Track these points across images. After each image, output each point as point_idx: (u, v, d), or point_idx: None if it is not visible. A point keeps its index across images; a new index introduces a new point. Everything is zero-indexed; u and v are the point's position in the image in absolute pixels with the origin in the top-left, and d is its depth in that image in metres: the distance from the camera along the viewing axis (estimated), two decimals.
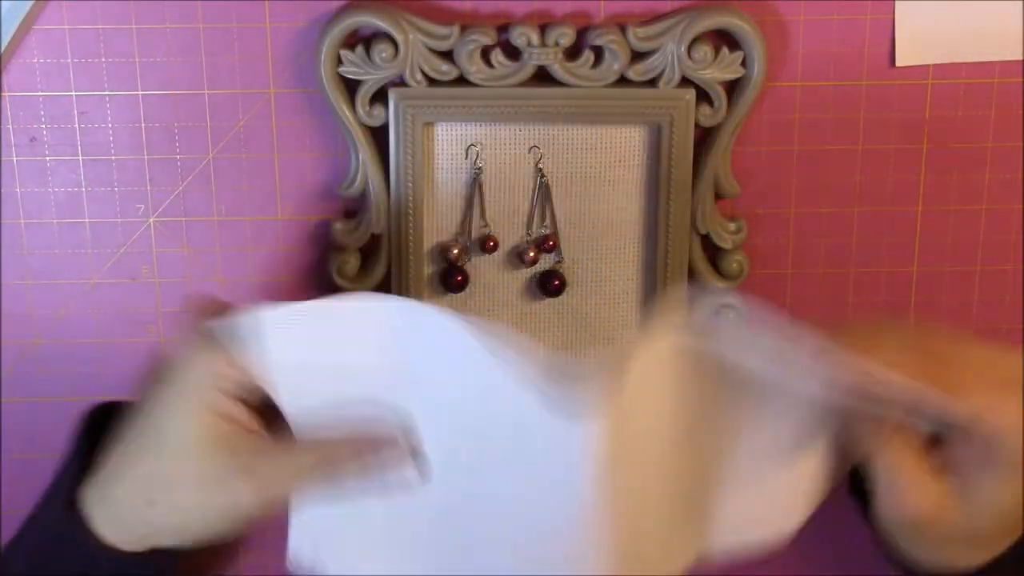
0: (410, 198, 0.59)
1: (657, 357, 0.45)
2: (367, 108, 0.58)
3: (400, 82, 0.58)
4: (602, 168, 0.61)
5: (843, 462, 0.51)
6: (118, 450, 0.51)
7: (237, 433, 0.49)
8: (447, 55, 0.58)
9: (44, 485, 0.65)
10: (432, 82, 0.58)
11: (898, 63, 0.60)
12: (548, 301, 0.62)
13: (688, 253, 0.61)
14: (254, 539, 0.57)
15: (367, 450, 0.48)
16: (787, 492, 0.51)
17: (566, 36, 0.57)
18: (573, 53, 0.58)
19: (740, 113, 0.59)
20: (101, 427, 0.53)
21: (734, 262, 0.61)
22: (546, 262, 0.62)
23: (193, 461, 0.49)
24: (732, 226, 0.61)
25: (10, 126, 0.60)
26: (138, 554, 0.51)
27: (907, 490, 0.49)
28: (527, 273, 0.62)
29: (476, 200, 0.61)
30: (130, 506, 0.50)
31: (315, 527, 0.50)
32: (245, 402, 0.49)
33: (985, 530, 0.50)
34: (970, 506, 0.49)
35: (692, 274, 0.62)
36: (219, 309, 0.48)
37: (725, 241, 0.61)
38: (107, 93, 0.59)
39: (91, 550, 0.51)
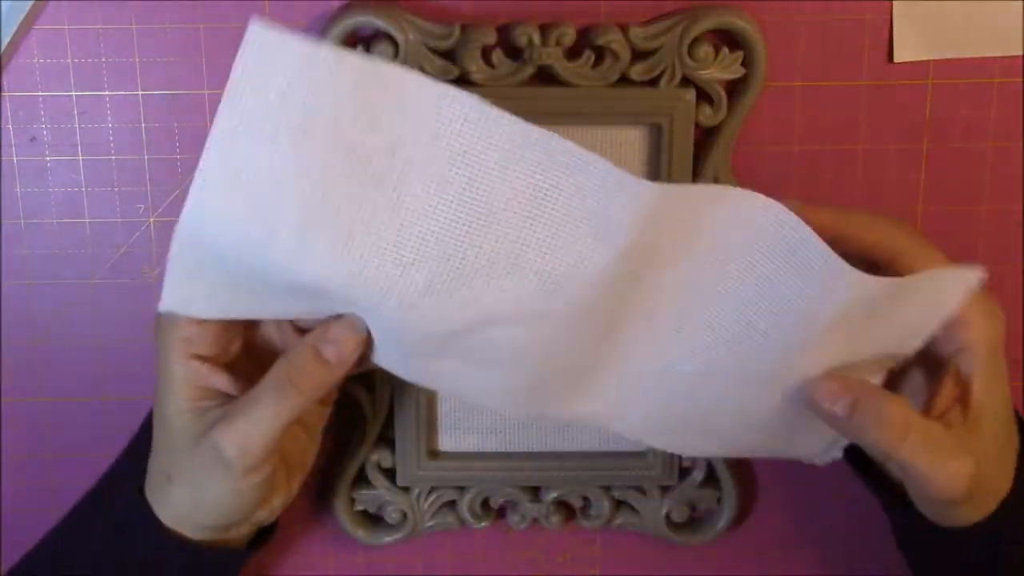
0: None
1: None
2: None
3: None
4: None
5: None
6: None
7: (212, 406, 0.52)
8: (447, 55, 0.58)
9: (44, 485, 0.65)
10: None
11: (896, 58, 0.60)
12: None
13: None
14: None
15: (323, 359, 0.50)
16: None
17: (567, 36, 0.57)
18: (574, 53, 0.58)
19: (740, 113, 0.59)
20: None
21: None
22: None
23: (183, 453, 0.52)
24: None
25: (10, 126, 0.60)
26: (200, 542, 0.54)
27: (940, 472, 0.50)
28: None
29: None
30: (158, 489, 0.54)
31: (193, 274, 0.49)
32: (221, 359, 0.52)
33: (995, 452, 0.52)
34: (985, 429, 0.51)
35: None
36: None
37: None
38: (107, 93, 0.59)
39: (156, 538, 0.54)
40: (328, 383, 0.51)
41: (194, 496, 0.52)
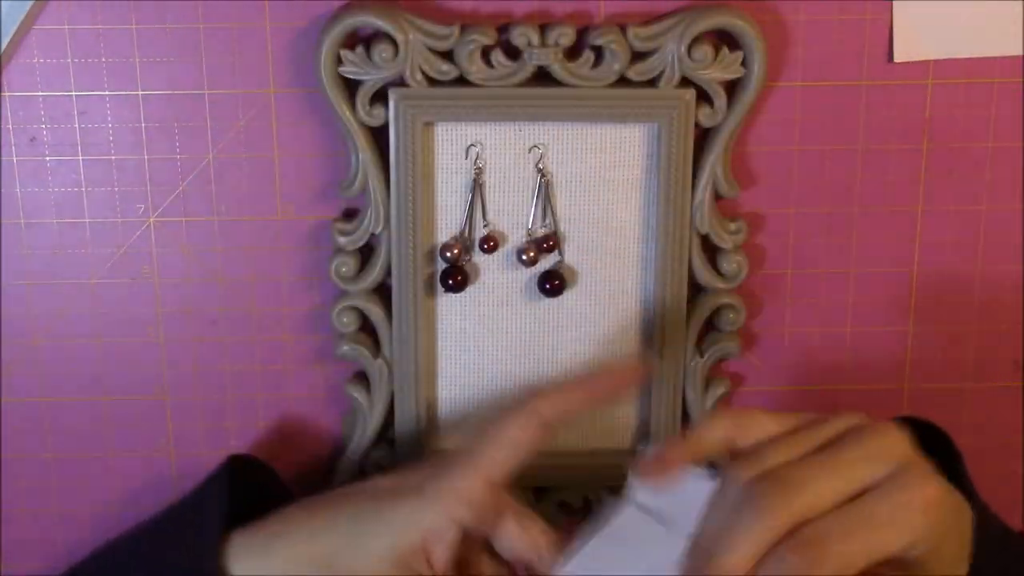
0: (410, 198, 0.59)
1: None
2: (367, 108, 0.58)
3: (400, 82, 0.58)
4: (602, 168, 0.61)
5: None
6: (302, 526, 0.53)
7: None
8: (447, 55, 0.58)
9: (44, 485, 0.65)
10: (432, 82, 0.58)
11: (896, 58, 0.60)
12: (548, 301, 0.62)
13: (688, 253, 0.61)
14: None
15: None
16: None
17: (566, 36, 0.57)
18: (573, 53, 0.58)
19: (740, 113, 0.59)
20: (243, 475, 0.57)
21: (734, 262, 0.61)
22: (546, 262, 0.62)
23: None
24: (732, 226, 0.61)
25: (10, 126, 0.60)
26: None
27: None
28: (527, 273, 0.62)
29: (476, 200, 0.61)
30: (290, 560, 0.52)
31: None
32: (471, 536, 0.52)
33: None
34: None
35: (692, 274, 0.62)
36: None
37: (725, 241, 0.61)
38: (107, 93, 0.59)
39: None
40: None
41: None
